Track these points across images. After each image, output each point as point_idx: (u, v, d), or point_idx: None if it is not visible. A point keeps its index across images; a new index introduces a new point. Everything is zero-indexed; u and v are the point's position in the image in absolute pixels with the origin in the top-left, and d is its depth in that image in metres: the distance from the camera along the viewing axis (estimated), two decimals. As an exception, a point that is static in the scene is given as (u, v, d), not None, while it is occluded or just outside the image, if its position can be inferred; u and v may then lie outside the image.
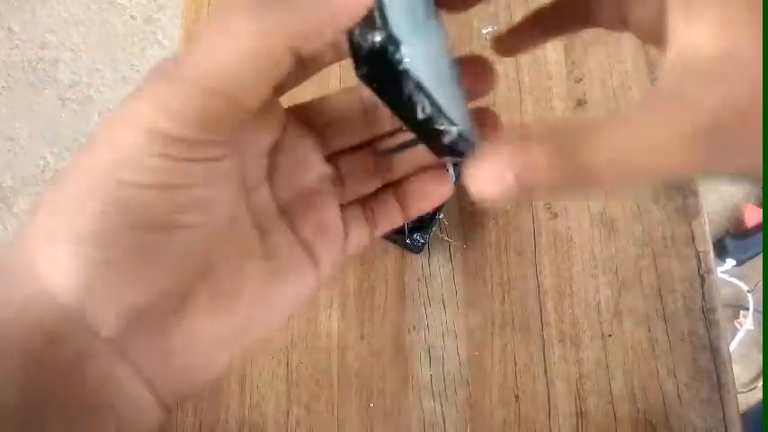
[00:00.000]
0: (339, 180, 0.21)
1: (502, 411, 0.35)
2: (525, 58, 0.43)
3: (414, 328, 0.37)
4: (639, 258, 0.38)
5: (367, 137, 0.21)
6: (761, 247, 1.10)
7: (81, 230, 0.14)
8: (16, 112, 1.32)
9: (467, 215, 0.39)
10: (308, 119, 0.20)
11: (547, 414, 0.35)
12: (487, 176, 0.15)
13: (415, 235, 0.35)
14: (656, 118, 0.15)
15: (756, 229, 1.14)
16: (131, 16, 1.38)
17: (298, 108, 0.21)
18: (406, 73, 0.16)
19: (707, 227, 0.39)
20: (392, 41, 0.16)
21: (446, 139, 0.18)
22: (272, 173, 0.19)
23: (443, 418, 0.35)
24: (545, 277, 0.38)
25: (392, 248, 0.38)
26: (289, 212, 0.19)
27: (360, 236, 0.21)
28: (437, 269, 0.38)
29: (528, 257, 0.38)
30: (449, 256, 0.38)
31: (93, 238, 0.14)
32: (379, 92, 0.17)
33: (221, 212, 0.17)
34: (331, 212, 0.20)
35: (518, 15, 0.44)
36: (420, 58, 0.17)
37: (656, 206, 0.39)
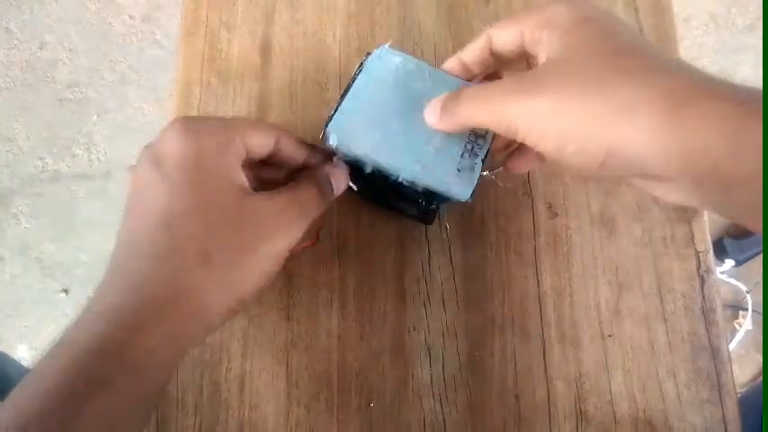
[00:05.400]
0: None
1: (502, 411, 0.35)
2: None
3: (414, 328, 0.37)
4: (639, 258, 0.38)
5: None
6: (760, 248, 1.10)
7: None
8: (14, 113, 1.32)
9: (467, 215, 0.39)
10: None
11: (547, 414, 0.35)
12: (431, 110, 0.30)
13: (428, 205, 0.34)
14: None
15: (755, 229, 1.13)
16: (130, 16, 1.37)
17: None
18: (337, 149, 0.31)
19: (706, 227, 0.39)
20: (326, 136, 0.31)
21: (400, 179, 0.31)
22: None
23: (443, 419, 0.35)
24: (545, 278, 0.38)
25: (392, 249, 0.38)
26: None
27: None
28: (437, 269, 0.38)
29: (528, 258, 0.38)
30: (449, 256, 0.38)
31: None
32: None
33: None
34: None
35: (518, 15, 0.44)
36: (364, 139, 0.31)
37: (656, 206, 0.39)
